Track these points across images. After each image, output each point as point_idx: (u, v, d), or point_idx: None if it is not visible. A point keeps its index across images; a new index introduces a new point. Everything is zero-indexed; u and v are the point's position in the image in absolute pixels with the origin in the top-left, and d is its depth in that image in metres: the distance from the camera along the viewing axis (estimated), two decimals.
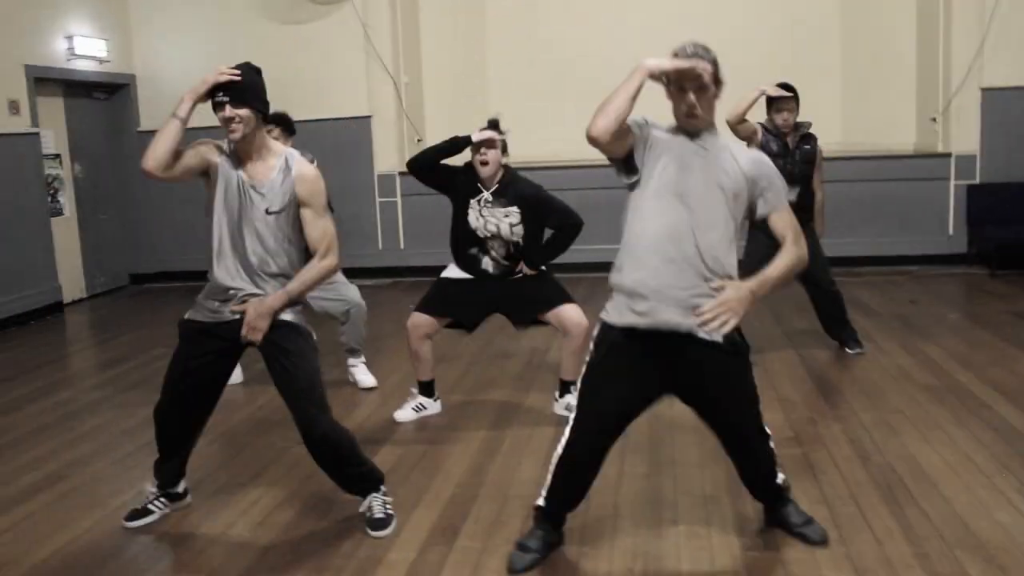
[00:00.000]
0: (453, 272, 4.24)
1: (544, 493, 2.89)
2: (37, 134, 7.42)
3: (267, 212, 2.95)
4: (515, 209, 4.07)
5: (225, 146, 2.99)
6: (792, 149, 4.95)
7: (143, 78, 8.71)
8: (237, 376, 4.84)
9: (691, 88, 2.56)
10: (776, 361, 5.07)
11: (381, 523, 3.10)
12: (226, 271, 2.97)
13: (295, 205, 2.99)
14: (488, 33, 8.72)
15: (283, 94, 8.24)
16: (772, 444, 2.90)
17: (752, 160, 2.70)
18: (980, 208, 7.53)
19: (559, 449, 2.81)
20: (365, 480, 3.15)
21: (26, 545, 3.14)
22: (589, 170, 6.67)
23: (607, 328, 2.71)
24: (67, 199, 8.01)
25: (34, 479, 3.77)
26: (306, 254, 3.08)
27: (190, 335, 3.05)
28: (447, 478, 3.58)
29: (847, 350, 5.22)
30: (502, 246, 4.12)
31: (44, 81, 7.56)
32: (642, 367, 2.66)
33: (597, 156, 2.70)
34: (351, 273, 5.14)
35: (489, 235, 4.10)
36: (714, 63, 2.60)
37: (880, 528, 2.99)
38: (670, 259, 2.57)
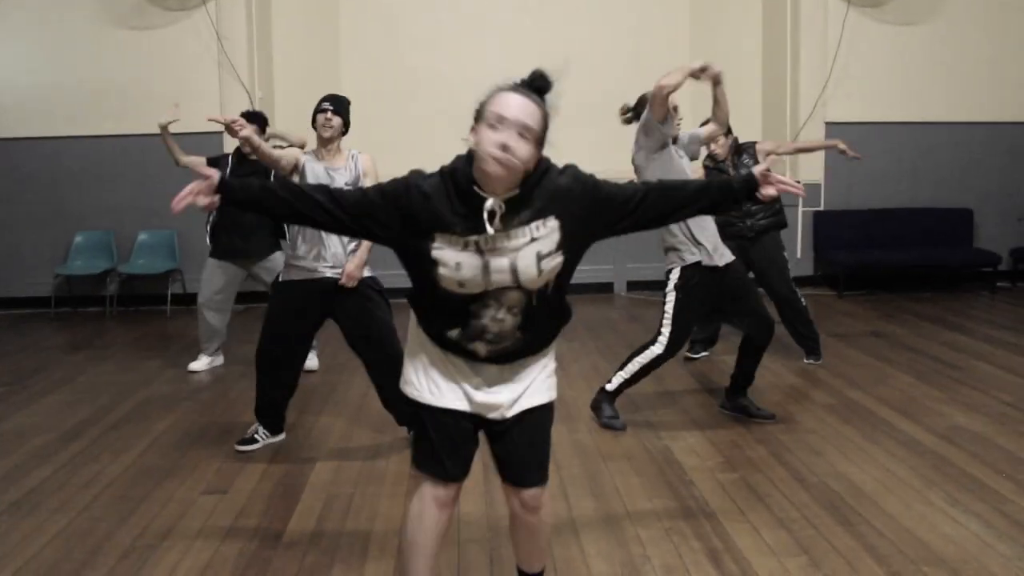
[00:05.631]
0: None
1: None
2: None
3: None
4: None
5: None
6: (736, 170, 5.39)
7: None
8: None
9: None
10: (670, 378, 5.21)
11: None
12: None
13: None
14: (341, 49, 8.44)
15: (129, 106, 7.69)
16: None
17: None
18: (825, 233, 8.15)
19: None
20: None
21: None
22: None
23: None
24: None
25: None
26: None
27: None
28: None
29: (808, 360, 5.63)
30: None
31: None
32: None
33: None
34: None
35: None
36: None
37: (844, 548, 3.08)
38: None
